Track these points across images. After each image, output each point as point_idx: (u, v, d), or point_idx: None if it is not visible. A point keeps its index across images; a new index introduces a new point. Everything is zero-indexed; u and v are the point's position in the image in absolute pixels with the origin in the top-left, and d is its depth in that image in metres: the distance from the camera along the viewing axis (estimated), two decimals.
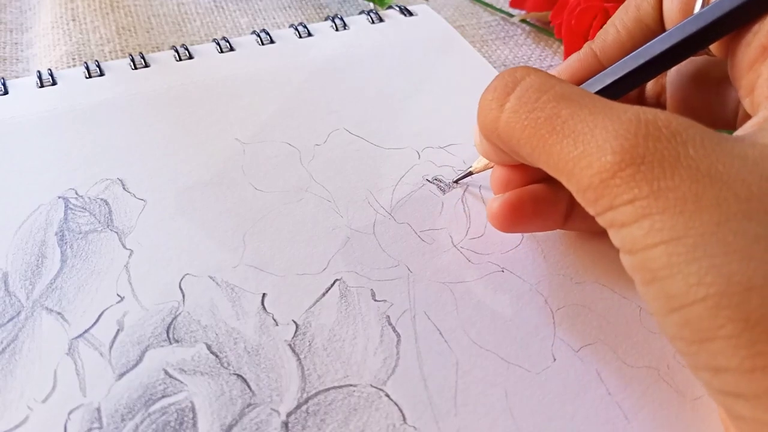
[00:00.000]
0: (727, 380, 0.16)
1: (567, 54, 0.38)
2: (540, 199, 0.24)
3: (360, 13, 0.41)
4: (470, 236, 0.27)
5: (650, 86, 0.26)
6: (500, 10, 0.44)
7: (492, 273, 0.25)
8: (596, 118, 0.18)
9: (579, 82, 0.24)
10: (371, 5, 0.42)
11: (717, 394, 0.17)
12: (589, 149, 0.17)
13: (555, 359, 0.22)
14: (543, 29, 0.42)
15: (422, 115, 0.33)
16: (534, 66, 0.39)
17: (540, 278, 0.25)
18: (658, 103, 0.27)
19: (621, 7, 0.24)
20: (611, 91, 0.22)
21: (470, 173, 0.28)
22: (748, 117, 0.20)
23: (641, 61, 0.22)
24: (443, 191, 0.29)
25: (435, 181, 0.29)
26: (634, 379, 0.22)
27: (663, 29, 0.23)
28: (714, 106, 0.25)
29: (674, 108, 0.26)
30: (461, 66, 0.36)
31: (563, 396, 0.21)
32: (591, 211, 0.18)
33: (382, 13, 0.40)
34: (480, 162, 0.28)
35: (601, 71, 0.23)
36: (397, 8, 0.41)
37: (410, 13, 0.40)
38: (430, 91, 0.34)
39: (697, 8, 0.21)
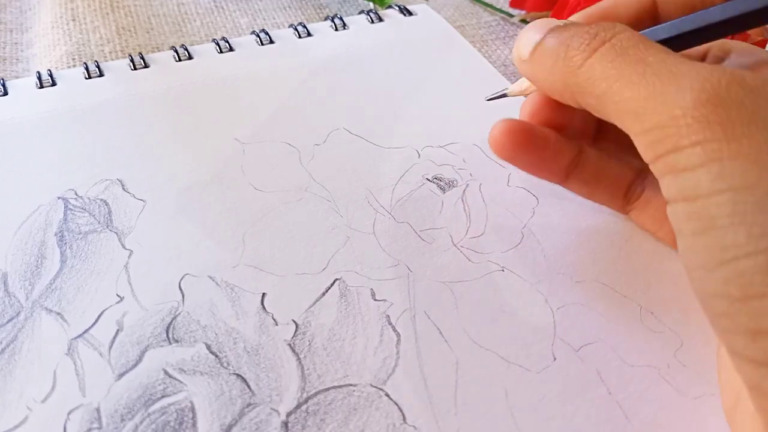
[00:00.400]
0: (765, 345, 0.15)
1: None
2: (543, 139, 0.24)
3: (360, 12, 0.41)
4: (470, 235, 0.27)
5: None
6: (500, 10, 0.44)
7: (492, 272, 0.25)
8: (681, 68, 0.17)
9: (630, 21, 0.23)
10: (371, 5, 0.42)
11: (747, 364, 0.16)
12: (668, 89, 0.17)
13: (555, 358, 0.22)
14: None
15: (422, 114, 0.33)
16: None
17: (540, 278, 0.25)
18: None
19: None
20: (677, 43, 0.21)
21: (505, 95, 0.28)
22: None
23: (718, 18, 0.20)
24: (443, 190, 0.29)
25: (435, 180, 0.29)
26: (634, 378, 0.22)
27: None
28: None
29: None
30: (461, 66, 0.36)
31: (563, 395, 0.21)
32: (648, 155, 0.18)
33: (382, 12, 0.40)
34: (519, 85, 0.27)
35: (658, 21, 0.22)
36: (397, 8, 0.41)
37: (410, 13, 0.40)
38: (429, 91, 0.34)
39: None
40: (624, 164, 0.26)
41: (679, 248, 0.17)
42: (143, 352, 0.22)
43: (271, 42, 0.37)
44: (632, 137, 0.18)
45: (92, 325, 0.22)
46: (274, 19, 0.42)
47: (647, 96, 0.17)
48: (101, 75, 0.33)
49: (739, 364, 0.16)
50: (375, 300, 0.24)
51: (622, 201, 0.26)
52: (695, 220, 0.16)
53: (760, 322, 0.15)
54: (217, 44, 0.36)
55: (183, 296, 0.23)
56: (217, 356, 0.22)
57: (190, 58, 0.35)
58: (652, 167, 0.18)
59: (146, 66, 0.34)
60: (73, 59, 0.36)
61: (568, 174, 0.25)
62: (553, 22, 0.22)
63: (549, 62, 0.21)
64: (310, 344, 0.22)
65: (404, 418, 0.20)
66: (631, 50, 0.19)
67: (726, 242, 0.15)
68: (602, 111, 0.20)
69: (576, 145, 0.25)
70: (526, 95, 0.27)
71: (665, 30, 0.22)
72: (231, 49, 0.36)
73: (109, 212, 0.26)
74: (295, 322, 0.23)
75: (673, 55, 0.18)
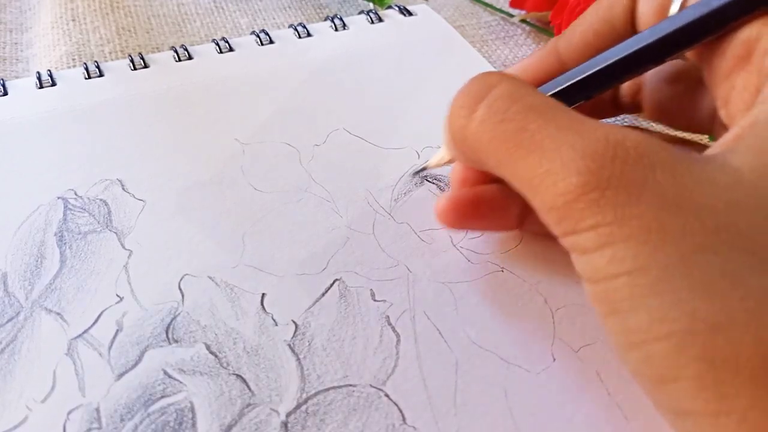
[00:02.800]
0: (690, 424, 0.15)
1: None
2: (489, 202, 0.24)
3: (359, 13, 0.41)
4: (470, 236, 0.27)
5: (626, 85, 0.26)
6: (500, 10, 0.44)
7: (492, 273, 0.25)
8: (564, 135, 0.17)
9: (539, 81, 0.23)
10: (371, 5, 0.42)
11: None
12: (554, 167, 0.17)
13: (555, 359, 0.22)
14: (543, 29, 0.42)
15: (422, 115, 0.33)
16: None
17: (540, 278, 0.25)
18: (634, 102, 0.26)
19: (591, 7, 0.23)
20: (574, 94, 0.21)
21: (425, 168, 0.28)
22: (725, 125, 0.19)
23: (605, 64, 0.21)
24: (443, 191, 0.29)
25: (434, 180, 0.29)
26: (633, 379, 0.22)
27: (633, 33, 0.22)
28: (691, 109, 0.24)
29: (650, 109, 0.25)
30: (461, 66, 0.36)
31: (563, 396, 0.21)
32: (554, 231, 0.17)
33: (382, 13, 0.40)
34: (438, 157, 0.27)
35: (562, 72, 0.22)
36: (397, 8, 0.41)
37: (410, 13, 0.40)
38: (429, 91, 0.34)
39: (674, 9, 0.20)
40: None
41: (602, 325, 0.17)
42: (143, 352, 0.22)
43: (271, 42, 0.37)
44: (536, 211, 0.18)
45: (92, 325, 0.22)
46: (274, 19, 0.42)
47: (533, 175, 0.17)
48: (101, 75, 0.33)
49: None
50: (375, 300, 0.24)
51: None
52: (601, 302, 0.16)
53: (680, 403, 0.15)
54: (217, 44, 0.36)
55: (183, 296, 0.23)
56: (216, 356, 0.22)
57: (190, 58, 0.35)
58: (560, 241, 0.17)
59: (146, 66, 0.34)
60: (73, 59, 0.36)
61: (522, 220, 0.25)
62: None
63: (447, 124, 0.21)
64: (309, 345, 0.22)
65: (404, 419, 0.20)
66: (509, 112, 0.18)
67: (631, 326, 0.15)
68: (503, 178, 0.19)
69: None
70: (443, 164, 0.27)
71: (558, 82, 0.22)
72: (231, 50, 0.36)
73: (109, 212, 0.26)
74: (294, 322, 0.23)
75: (554, 115, 0.18)
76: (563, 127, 0.17)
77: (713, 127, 0.24)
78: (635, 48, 0.20)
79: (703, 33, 0.19)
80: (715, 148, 0.18)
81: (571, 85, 0.22)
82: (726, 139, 0.17)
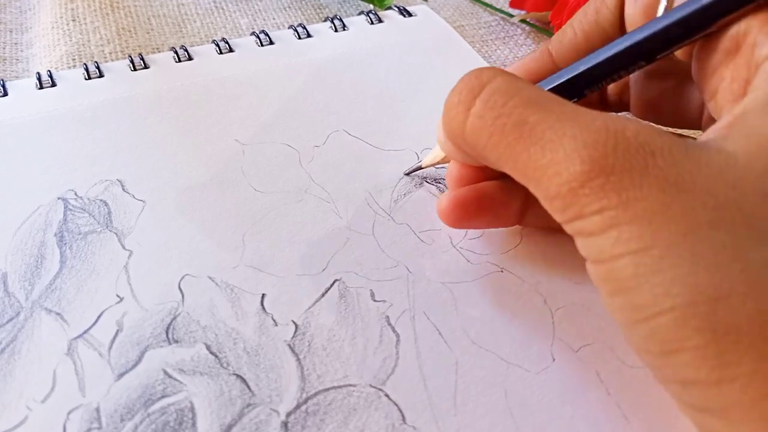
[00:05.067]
0: (695, 393, 0.16)
1: None
2: (491, 198, 0.24)
3: (359, 13, 0.41)
4: (469, 236, 0.27)
5: (613, 84, 0.26)
6: (500, 10, 0.44)
7: (491, 273, 0.25)
8: (564, 126, 0.17)
9: (532, 82, 0.23)
10: (370, 6, 0.42)
11: (688, 409, 0.17)
12: (557, 157, 0.17)
13: (554, 359, 0.22)
14: (543, 29, 0.42)
15: (421, 116, 0.33)
16: None
17: (539, 278, 0.25)
18: (621, 101, 0.27)
19: (580, 9, 0.24)
20: (565, 92, 0.22)
21: (419, 167, 0.28)
22: (712, 119, 0.20)
23: (594, 62, 0.21)
24: (442, 192, 0.29)
25: (434, 182, 0.29)
26: (633, 379, 0.22)
27: (622, 34, 0.22)
28: (678, 105, 0.25)
29: (637, 107, 0.26)
30: (461, 66, 0.36)
31: (563, 396, 0.21)
32: (558, 218, 0.18)
33: (382, 13, 0.40)
34: (431, 156, 0.27)
35: (554, 72, 0.23)
36: (397, 9, 0.41)
37: (409, 14, 0.41)
38: (429, 92, 0.34)
39: (661, 10, 0.21)
40: None
41: (604, 304, 0.18)
42: (143, 353, 0.22)
43: (271, 43, 0.37)
44: (540, 200, 0.18)
45: (92, 326, 0.22)
46: (274, 19, 0.42)
47: (537, 166, 0.18)
48: (101, 76, 0.33)
49: (682, 410, 0.17)
50: (374, 301, 0.24)
51: None
52: (606, 281, 0.17)
53: (685, 373, 0.16)
54: (217, 45, 0.36)
55: (183, 296, 0.23)
56: (216, 357, 0.22)
57: (190, 58, 0.35)
58: (564, 227, 0.18)
59: (146, 67, 0.34)
60: (73, 60, 0.36)
61: (522, 214, 0.25)
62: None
63: (443, 122, 0.21)
64: (309, 345, 0.22)
65: (404, 419, 0.21)
66: (507, 106, 0.19)
67: (635, 303, 0.16)
68: (504, 171, 0.19)
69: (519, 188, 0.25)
70: (438, 164, 0.27)
71: (551, 80, 0.22)
72: (231, 50, 0.36)
73: (109, 212, 0.26)
74: (294, 322, 0.23)
75: (553, 107, 0.18)
76: (563, 119, 0.18)
77: (700, 121, 0.24)
78: (626, 45, 0.20)
79: (695, 30, 0.20)
80: (708, 134, 0.18)
81: (564, 82, 0.22)
82: (718, 126, 0.18)
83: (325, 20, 0.40)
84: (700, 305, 0.15)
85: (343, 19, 0.39)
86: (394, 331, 0.23)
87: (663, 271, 0.15)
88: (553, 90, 0.22)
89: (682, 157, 0.16)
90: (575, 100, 0.22)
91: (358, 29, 0.39)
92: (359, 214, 0.27)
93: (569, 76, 0.22)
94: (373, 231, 0.27)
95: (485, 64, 0.37)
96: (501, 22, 0.43)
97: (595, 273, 0.17)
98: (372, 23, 0.39)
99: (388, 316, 0.23)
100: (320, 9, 0.43)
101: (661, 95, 0.25)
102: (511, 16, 0.43)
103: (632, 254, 0.16)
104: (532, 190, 0.18)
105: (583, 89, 0.22)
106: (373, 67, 0.36)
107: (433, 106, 0.33)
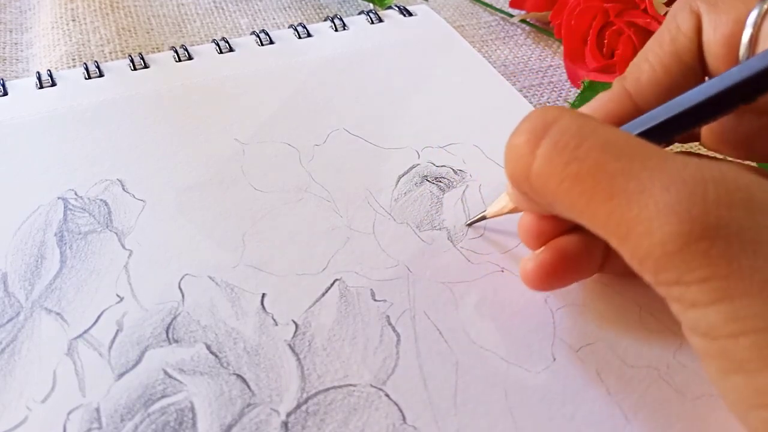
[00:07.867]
0: None
1: (566, 54, 0.38)
2: (575, 257, 0.22)
3: (359, 13, 0.41)
4: (469, 236, 0.27)
5: None
6: (500, 10, 0.44)
7: (492, 273, 0.25)
8: (652, 174, 0.15)
9: (613, 124, 0.21)
10: (371, 5, 0.42)
11: None
12: (646, 213, 0.15)
13: (555, 359, 0.22)
14: (543, 29, 0.42)
15: (422, 115, 0.33)
16: (533, 66, 0.39)
17: None
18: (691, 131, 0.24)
19: (652, 39, 0.22)
20: (652, 136, 0.19)
21: (484, 217, 0.26)
22: None
23: (692, 104, 0.19)
24: (443, 191, 0.29)
25: (435, 180, 0.29)
26: (634, 379, 0.22)
27: (702, 64, 0.20)
28: (755, 137, 0.23)
29: (710, 137, 0.24)
30: (461, 66, 0.36)
31: (563, 396, 0.21)
32: (649, 279, 0.16)
33: (382, 13, 0.40)
34: (497, 206, 0.25)
35: (636, 113, 0.20)
36: (397, 8, 0.41)
37: (410, 14, 0.40)
38: (429, 91, 0.34)
39: (745, 38, 0.19)
40: None
41: (709, 377, 0.16)
42: (143, 353, 0.22)
43: (271, 42, 0.37)
44: (624, 258, 0.16)
45: (92, 325, 0.22)
46: (274, 19, 0.42)
47: (620, 221, 0.16)
48: (101, 75, 0.33)
49: None
50: (375, 300, 0.24)
51: None
52: (719, 359, 0.15)
53: None
54: (217, 45, 0.36)
55: (183, 296, 0.23)
56: (217, 356, 0.22)
57: (190, 58, 0.35)
58: (656, 288, 0.16)
59: (146, 66, 0.34)
60: (73, 59, 0.36)
61: (603, 264, 0.23)
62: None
63: (505, 166, 0.19)
64: (310, 344, 0.22)
65: (404, 419, 0.20)
66: (581, 150, 0.16)
67: (759, 387, 0.14)
68: (578, 222, 0.17)
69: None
70: (504, 213, 0.25)
71: (647, 120, 0.20)
72: (231, 50, 0.36)
73: (109, 212, 0.26)
74: (294, 322, 0.23)
75: (635, 151, 0.16)
76: (649, 166, 0.15)
77: None
78: (729, 85, 0.18)
79: None
80: None
81: (654, 126, 0.20)
82: None
83: (325, 20, 0.40)
84: None
85: (344, 19, 0.39)
86: (394, 330, 0.23)
87: None
88: (642, 135, 0.20)
89: None
90: (662, 144, 0.19)
91: (358, 29, 0.39)
92: (359, 214, 0.27)
93: (663, 118, 0.19)
94: (373, 230, 0.27)
95: (486, 64, 0.37)
96: (501, 22, 0.43)
97: (701, 346, 0.16)
98: (372, 23, 0.39)
99: (388, 316, 0.23)
100: (320, 8, 0.43)
101: (737, 126, 0.23)
102: (511, 16, 0.43)
103: (756, 333, 0.14)
104: (615, 246, 0.16)
105: (675, 133, 0.20)
106: (373, 66, 0.36)
107: (433, 105, 0.33)
